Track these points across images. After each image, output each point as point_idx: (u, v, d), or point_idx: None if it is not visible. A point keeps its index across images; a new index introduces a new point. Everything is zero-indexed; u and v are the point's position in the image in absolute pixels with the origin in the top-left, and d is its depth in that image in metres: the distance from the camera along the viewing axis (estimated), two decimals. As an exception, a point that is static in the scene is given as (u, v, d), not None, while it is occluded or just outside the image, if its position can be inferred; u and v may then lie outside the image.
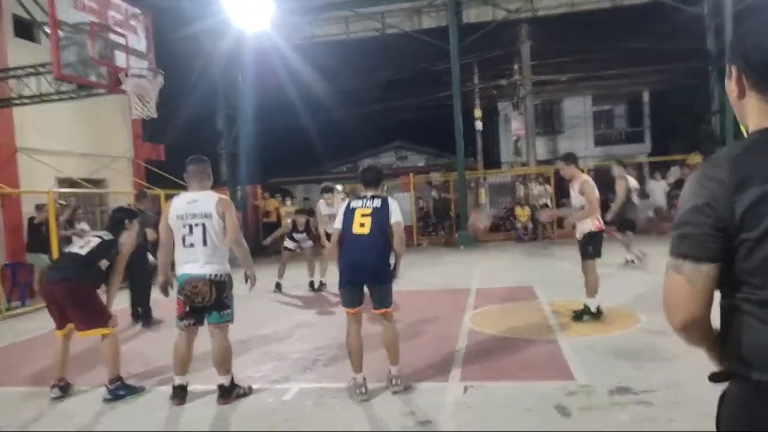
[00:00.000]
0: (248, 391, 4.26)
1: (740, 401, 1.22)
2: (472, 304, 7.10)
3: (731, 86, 1.31)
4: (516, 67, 19.29)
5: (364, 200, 4.14)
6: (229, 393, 4.14)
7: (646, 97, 26.78)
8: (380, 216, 4.04)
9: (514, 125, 19.97)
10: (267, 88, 18.61)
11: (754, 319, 1.17)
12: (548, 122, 27.17)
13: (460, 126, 14.59)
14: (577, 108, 27.09)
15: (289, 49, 16.34)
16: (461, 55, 15.09)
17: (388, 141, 28.34)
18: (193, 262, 3.98)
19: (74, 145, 12.03)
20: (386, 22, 15.71)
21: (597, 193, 5.95)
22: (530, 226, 15.05)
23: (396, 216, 4.09)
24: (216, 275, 3.99)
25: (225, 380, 4.15)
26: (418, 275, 9.38)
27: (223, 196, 4.27)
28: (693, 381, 3.97)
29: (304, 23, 16.23)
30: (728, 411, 1.26)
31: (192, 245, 3.99)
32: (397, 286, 4.28)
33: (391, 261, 4.14)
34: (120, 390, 4.32)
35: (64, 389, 4.45)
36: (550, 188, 15.47)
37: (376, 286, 4.06)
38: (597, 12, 15.34)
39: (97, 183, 12.60)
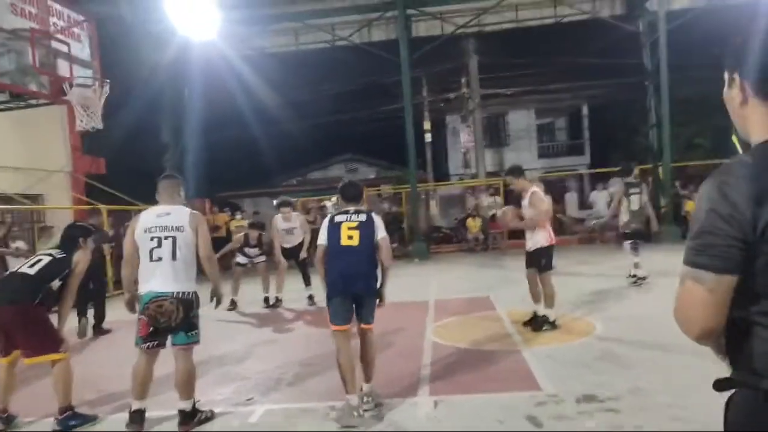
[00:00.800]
0: (210, 416, 4.07)
1: (749, 409, 1.24)
2: (433, 317, 7.11)
3: (732, 94, 1.31)
4: (464, 80, 19.70)
5: (348, 215, 4.10)
6: (191, 418, 3.94)
7: (585, 110, 27.93)
8: (367, 230, 4.02)
9: (463, 137, 20.36)
10: (215, 100, 18.21)
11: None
12: (495, 135, 27.86)
13: (411, 138, 14.71)
14: (521, 121, 27.94)
15: (237, 59, 16.04)
16: (411, 68, 15.28)
17: (338, 153, 28.28)
18: (160, 277, 3.78)
19: (8, 158, 11.32)
20: (336, 34, 15.72)
21: (546, 205, 6.09)
22: (481, 237, 15.31)
23: (382, 231, 4.09)
24: (183, 293, 3.80)
25: (187, 405, 3.94)
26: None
27: (196, 211, 4.13)
28: (656, 386, 4.11)
29: (252, 34, 16.00)
30: (736, 418, 1.28)
31: (159, 259, 3.80)
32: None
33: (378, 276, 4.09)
34: (71, 420, 4.03)
35: (7, 421, 4.13)
36: (500, 199, 15.81)
37: (365, 298, 3.99)
38: (540, 28, 15.90)
39: (33, 198, 11.91)
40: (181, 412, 3.94)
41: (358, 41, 15.77)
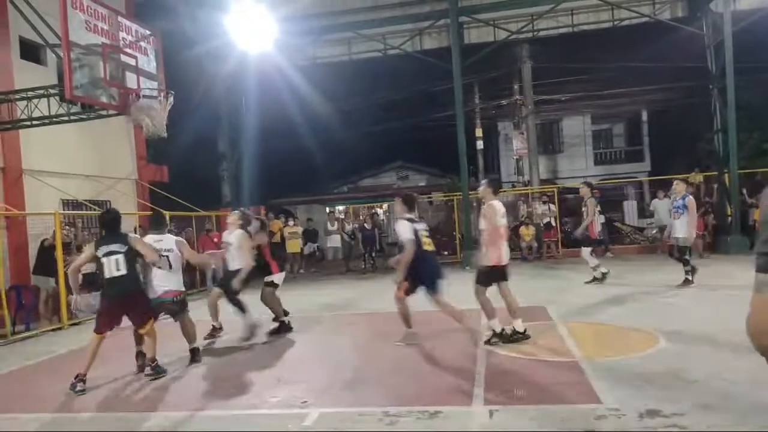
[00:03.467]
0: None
1: None
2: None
3: None
4: (516, 87, 19.43)
5: (420, 222, 5.98)
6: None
7: (644, 116, 27.02)
8: (431, 236, 5.88)
9: (516, 144, 20.05)
10: (269, 109, 18.70)
11: None
12: (548, 141, 27.34)
13: (463, 146, 14.63)
14: (576, 127, 27.32)
15: (291, 69, 16.45)
16: (463, 75, 15.23)
17: (389, 161, 28.42)
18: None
19: (79, 166, 12.00)
20: (388, 42, 15.85)
21: (499, 220, 5.86)
22: (535, 245, 15.01)
23: None
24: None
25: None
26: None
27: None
28: (722, 403, 3.91)
29: (306, 44, 16.36)
30: None
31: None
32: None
33: None
34: (158, 368, 5.47)
35: (82, 384, 5.12)
36: (554, 207, 15.47)
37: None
38: (596, 32, 15.52)
39: (101, 204, 12.57)
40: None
41: (410, 50, 15.85)
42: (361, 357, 5.89)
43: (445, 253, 15.59)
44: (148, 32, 8.18)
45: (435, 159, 25.81)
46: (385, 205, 19.59)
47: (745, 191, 14.36)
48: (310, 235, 16.79)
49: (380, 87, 20.84)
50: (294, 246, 15.39)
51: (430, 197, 19.74)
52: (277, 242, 15.19)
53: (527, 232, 15.13)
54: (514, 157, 21.02)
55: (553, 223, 15.28)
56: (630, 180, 23.38)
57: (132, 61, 7.69)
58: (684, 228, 8.58)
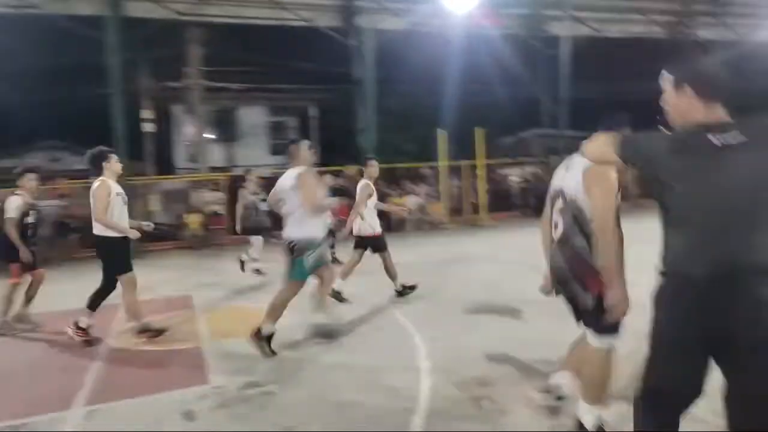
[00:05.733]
0: None
1: None
2: (124, 320, 6.62)
3: (680, 98, 2.19)
4: (186, 70, 18.85)
5: None
6: None
7: (313, 112, 29.48)
8: None
9: (187, 130, 19.46)
10: None
11: None
12: (225, 129, 27.41)
13: (121, 126, 13.51)
14: (253, 117, 28.11)
15: None
16: (125, 50, 14.03)
17: (39, 140, 24.28)
18: None
19: None
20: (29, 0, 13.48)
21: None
22: (201, 233, 14.87)
23: None
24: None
25: None
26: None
27: None
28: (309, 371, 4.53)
29: None
30: None
31: None
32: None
33: None
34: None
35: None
36: (222, 195, 15.59)
37: None
38: (264, 27, 16.18)
39: None
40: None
41: (58, 12, 13.82)
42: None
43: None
44: None
45: (99, 140, 23.07)
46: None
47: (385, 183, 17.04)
48: None
49: (18, 53, 17.51)
50: None
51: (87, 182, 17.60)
52: None
53: (194, 221, 14.90)
54: (186, 143, 20.39)
55: (222, 212, 15.40)
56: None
57: None
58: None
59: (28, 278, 6.31)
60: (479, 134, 16.22)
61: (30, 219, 6.27)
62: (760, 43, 19.68)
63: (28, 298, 6.36)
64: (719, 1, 19.60)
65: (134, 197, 13.83)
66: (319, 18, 16.34)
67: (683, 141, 2.11)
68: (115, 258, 5.40)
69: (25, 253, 6.07)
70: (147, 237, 14.72)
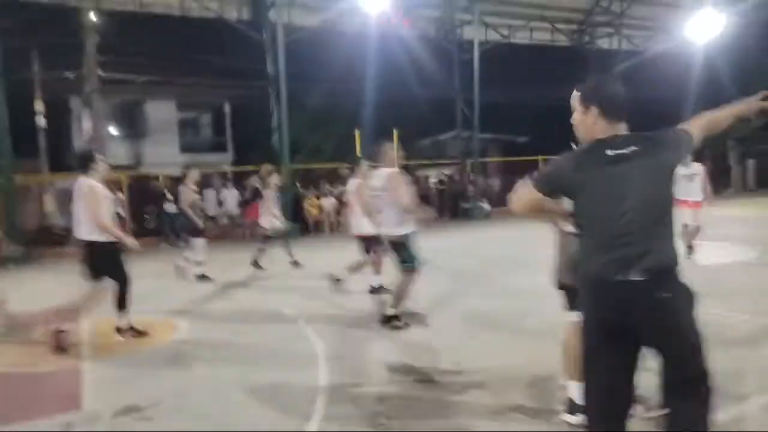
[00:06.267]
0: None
1: None
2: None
3: (587, 118, 2.29)
4: (82, 60, 17.46)
5: None
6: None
7: (227, 108, 28.38)
8: None
9: (86, 125, 18.05)
10: None
11: None
12: (131, 124, 25.83)
13: (3, 118, 12.29)
14: (162, 112, 26.64)
15: None
16: (11, 35, 12.78)
17: None
18: None
19: None
20: None
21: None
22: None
23: None
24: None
25: None
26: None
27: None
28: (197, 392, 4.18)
29: None
30: None
31: None
32: None
33: None
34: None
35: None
36: (122, 195, 14.59)
37: None
38: (167, 17, 15.30)
39: None
40: None
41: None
42: None
43: None
44: None
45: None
46: None
47: (299, 184, 16.69)
48: None
49: None
50: None
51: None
52: None
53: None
54: (84, 139, 18.93)
55: (122, 213, 14.40)
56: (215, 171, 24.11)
57: None
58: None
59: None
60: (396, 135, 16.20)
61: None
62: (654, 53, 21.11)
63: None
64: (618, 13, 20.82)
65: (27, 198, 12.66)
66: (228, 10, 15.68)
67: (584, 156, 2.26)
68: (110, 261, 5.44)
69: None
70: (41, 241, 13.59)
